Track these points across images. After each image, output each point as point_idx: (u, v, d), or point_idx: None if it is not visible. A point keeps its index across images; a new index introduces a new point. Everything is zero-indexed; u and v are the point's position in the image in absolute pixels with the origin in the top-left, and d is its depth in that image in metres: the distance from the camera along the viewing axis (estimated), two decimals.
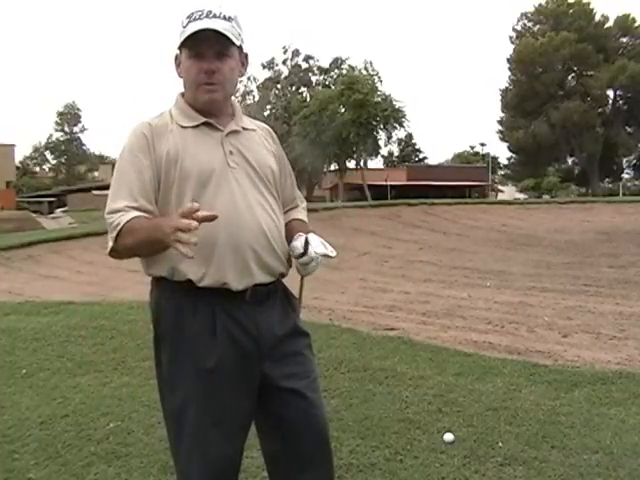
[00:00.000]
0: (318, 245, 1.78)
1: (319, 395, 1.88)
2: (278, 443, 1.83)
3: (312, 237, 1.80)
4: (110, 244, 1.68)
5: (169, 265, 1.70)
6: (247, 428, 1.81)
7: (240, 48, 1.77)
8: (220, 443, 1.71)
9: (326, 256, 1.78)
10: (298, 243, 1.79)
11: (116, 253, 1.70)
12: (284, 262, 1.83)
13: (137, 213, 1.66)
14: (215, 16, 1.70)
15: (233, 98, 1.87)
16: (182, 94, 1.81)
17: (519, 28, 49.67)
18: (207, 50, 1.70)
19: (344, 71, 38.22)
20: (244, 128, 1.84)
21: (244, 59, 1.82)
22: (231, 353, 1.70)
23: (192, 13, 1.72)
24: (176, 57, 1.77)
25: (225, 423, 1.72)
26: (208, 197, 1.68)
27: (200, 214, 1.48)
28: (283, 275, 1.84)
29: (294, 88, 46.19)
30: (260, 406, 1.79)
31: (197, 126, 1.76)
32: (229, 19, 1.72)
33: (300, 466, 1.81)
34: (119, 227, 1.64)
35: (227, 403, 1.71)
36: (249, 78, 43.99)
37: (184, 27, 1.71)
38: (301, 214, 2.00)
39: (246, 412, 1.78)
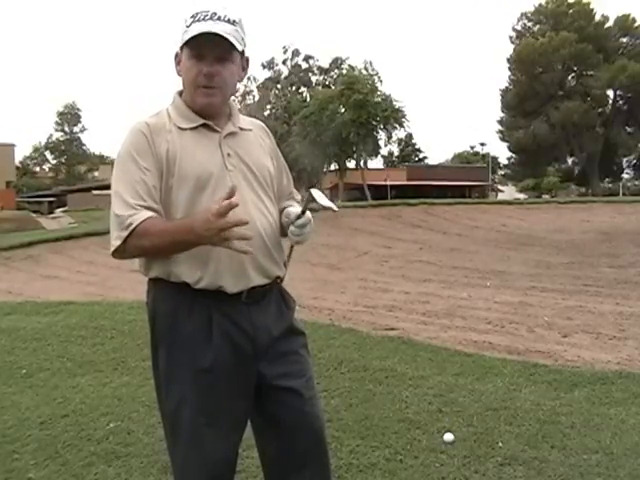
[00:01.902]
0: (322, 197, 1.79)
1: (314, 394, 1.88)
2: (274, 442, 1.83)
3: (315, 191, 1.81)
4: (117, 243, 1.63)
5: (166, 267, 1.70)
6: (243, 428, 1.81)
7: (242, 52, 1.76)
8: (216, 443, 1.71)
9: (330, 209, 1.80)
10: (294, 209, 1.81)
11: (120, 254, 1.66)
12: (280, 265, 1.83)
13: (150, 213, 1.63)
14: (220, 19, 1.68)
15: (230, 98, 1.86)
16: (180, 93, 1.80)
17: (519, 28, 49.69)
18: (209, 53, 1.68)
19: (344, 71, 38.23)
20: (241, 128, 1.83)
21: (245, 63, 1.81)
22: (227, 353, 1.70)
23: (197, 13, 1.69)
24: (176, 55, 1.76)
25: (221, 423, 1.72)
26: (205, 200, 1.67)
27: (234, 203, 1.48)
28: (278, 278, 1.84)
29: (294, 88, 46.22)
30: (256, 405, 1.79)
31: (195, 128, 1.75)
32: (233, 22, 1.70)
33: (295, 465, 1.81)
34: (132, 227, 1.60)
35: (223, 403, 1.71)
36: (249, 78, 44.02)
37: (187, 27, 1.69)
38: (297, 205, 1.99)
39: (242, 412, 1.78)
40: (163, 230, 1.61)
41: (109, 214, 1.68)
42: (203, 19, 1.68)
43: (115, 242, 1.64)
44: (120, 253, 1.66)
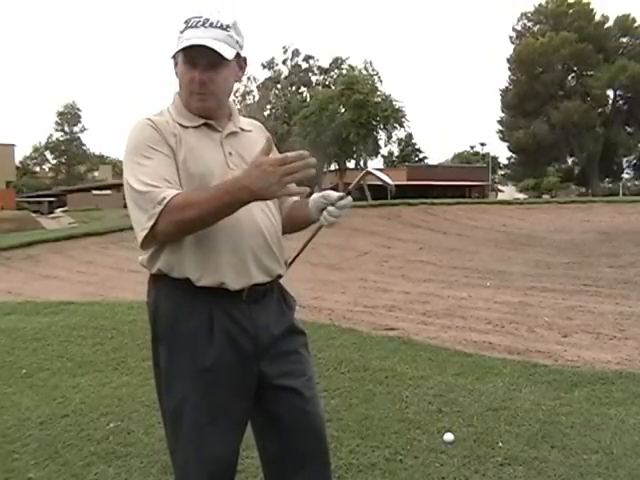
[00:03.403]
0: (381, 174, 1.85)
1: (315, 393, 1.88)
2: (274, 442, 1.83)
3: (373, 169, 1.88)
4: (149, 224, 1.57)
5: (170, 261, 1.70)
6: (244, 427, 1.81)
7: (237, 54, 1.74)
8: (217, 442, 1.71)
9: (389, 185, 1.89)
10: (333, 192, 1.84)
11: (150, 240, 1.61)
12: (281, 263, 1.84)
13: (178, 190, 1.60)
14: (212, 25, 1.67)
15: (230, 98, 1.86)
16: (179, 93, 1.80)
17: (519, 28, 49.66)
18: (201, 60, 1.67)
19: (344, 71, 38.23)
20: (242, 129, 1.84)
21: (242, 63, 1.80)
22: (228, 352, 1.70)
23: (190, 19, 1.69)
24: (174, 56, 1.75)
25: (222, 422, 1.72)
26: None
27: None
28: (280, 276, 1.85)
29: (294, 88, 46.19)
30: (256, 405, 1.79)
31: (197, 127, 1.75)
32: (226, 27, 1.69)
33: (296, 465, 1.81)
34: (165, 201, 1.55)
35: (224, 402, 1.71)
36: (249, 78, 44.01)
37: (181, 32, 1.69)
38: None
39: (243, 411, 1.78)
40: (207, 198, 1.56)
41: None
42: (195, 25, 1.67)
43: (148, 224, 1.58)
44: (149, 239, 1.61)
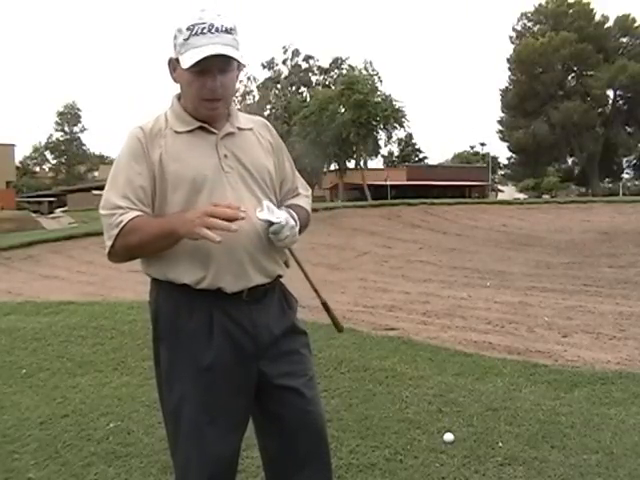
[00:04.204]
0: (263, 212, 1.69)
1: (316, 393, 1.89)
2: (275, 441, 1.83)
3: (266, 202, 1.74)
4: (109, 244, 1.66)
5: (164, 271, 1.71)
6: (244, 426, 1.81)
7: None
8: (217, 441, 1.72)
9: (268, 221, 1.68)
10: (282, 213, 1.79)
11: (113, 256, 1.69)
12: (280, 264, 1.83)
13: (138, 213, 1.65)
14: (218, 30, 1.63)
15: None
16: (178, 96, 1.78)
17: (519, 28, 49.75)
18: (212, 67, 1.65)
19: (344, 71, 38.26)
20: (240, 128, 1.81)
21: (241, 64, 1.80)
22: (228, 351, 1.71)
23: (194, 25, 1.63)
24: (170, 61, 1.72)
25: (222, 421, 1.72)
26: (202, 202, 1.67)
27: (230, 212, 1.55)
28: (280, 276, 1.85)
29: (294, 88, 46.21)
30: (257, 404, 1.80)
31: (191, 131, 1.74)
32: (230, 31, 1.66)
33: (297, 464, 1.82)
34: (121, 225, 1.62)
35: (224, 401, 1.72)
36: (249, 78, 44.02)
37: (186, 40, 1.64)
38: (301, 200, 1.94)
39: (243, 410, 1.78)
40: (151, 223, 1.64)
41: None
42: (201, 32, 1.62)
43: (108, 242, 1.67)
44: (113, 255, 1.69)
